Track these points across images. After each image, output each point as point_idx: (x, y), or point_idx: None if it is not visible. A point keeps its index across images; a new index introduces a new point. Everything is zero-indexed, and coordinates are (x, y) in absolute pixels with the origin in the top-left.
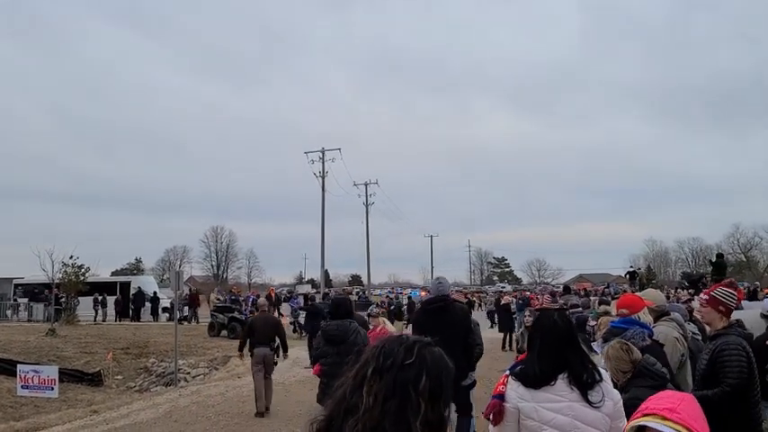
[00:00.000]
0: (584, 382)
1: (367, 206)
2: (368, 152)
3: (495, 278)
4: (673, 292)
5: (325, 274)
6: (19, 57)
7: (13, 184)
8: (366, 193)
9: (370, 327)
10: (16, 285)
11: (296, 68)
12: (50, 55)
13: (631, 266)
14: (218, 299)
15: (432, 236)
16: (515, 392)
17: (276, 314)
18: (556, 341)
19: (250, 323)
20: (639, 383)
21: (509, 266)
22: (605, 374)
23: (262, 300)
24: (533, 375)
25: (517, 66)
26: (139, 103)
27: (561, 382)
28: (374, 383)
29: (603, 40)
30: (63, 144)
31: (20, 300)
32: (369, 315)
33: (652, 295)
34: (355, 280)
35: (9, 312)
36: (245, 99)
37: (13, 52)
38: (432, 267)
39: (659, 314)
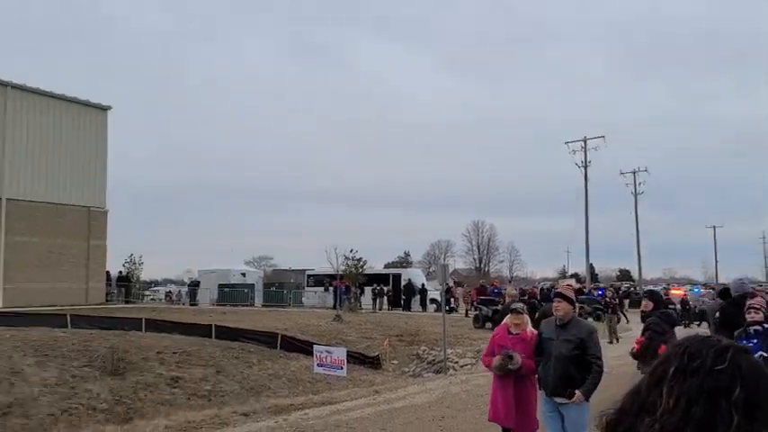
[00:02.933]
0: None
1: (636, 195)
2: (633, 139)
3: None
4: None
5: (590, 268)
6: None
7: (306, 190)
8: (634, 181)
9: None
10: (308, 276)
11: (548, 56)
12: (333, 71)
13: None
14: (513, 292)
15: (714, 227)
16: None
17: None
18: None
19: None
20: None
21: None
22: None
23: (511, 291)
24: None
25: None
26: (410, 107)
27: None
28: (675, 384)
29: None
30: (339, 150)
31: (311, 289)
32: (512, 310)
33: None
34: (624, 275)
35: (304, 299)
36: (498, 95)
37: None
38: (716, 262)
39: None
